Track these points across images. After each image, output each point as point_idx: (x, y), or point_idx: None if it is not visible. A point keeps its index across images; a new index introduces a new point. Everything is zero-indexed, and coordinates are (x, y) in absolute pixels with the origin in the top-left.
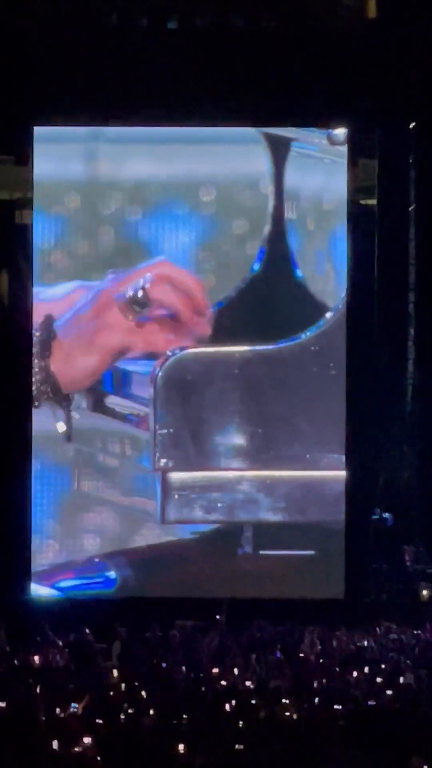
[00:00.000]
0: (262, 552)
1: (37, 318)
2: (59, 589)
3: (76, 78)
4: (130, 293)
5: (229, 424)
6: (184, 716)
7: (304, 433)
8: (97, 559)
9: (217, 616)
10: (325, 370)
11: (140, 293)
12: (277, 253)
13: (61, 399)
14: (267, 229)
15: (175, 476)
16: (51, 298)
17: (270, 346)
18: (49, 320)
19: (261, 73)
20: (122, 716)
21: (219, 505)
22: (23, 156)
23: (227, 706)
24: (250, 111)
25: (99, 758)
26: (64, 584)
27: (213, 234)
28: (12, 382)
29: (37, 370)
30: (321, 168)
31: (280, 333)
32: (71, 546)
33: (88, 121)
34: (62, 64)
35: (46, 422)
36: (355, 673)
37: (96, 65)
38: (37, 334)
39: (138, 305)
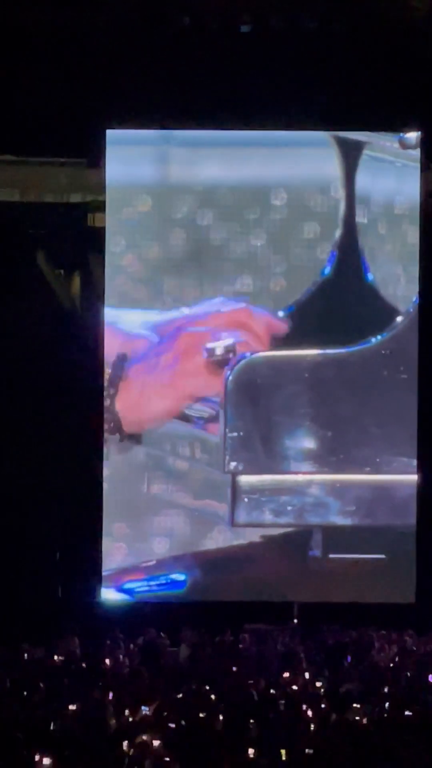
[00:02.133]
0: (331, 555)
1: (109, 356)
2: (129, 591)
3: (148, 81)
4: (219, 353)
5: (299, 428)
6: (254, 721)
7: (375, 436)
8: (166, 562)
9: (290, 620)
10: (396, 374)
11: (230, 354)
12: (348, 256)
13: (123, 438)
14: (338, 232)
15: (245, 479)
16: (123, 334)
17: (340, 350)
18: (121, 359)
19: (332, 76)
20: (192, 720)
21: (289, 508)
22: (96, 159)
23: (298, 711)
24: (322, 114)
25: (168, 761)
26: (133, 587)
27: (283, 238)
28: (83, 388)
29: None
30: (392, 172)
31: (351, 337)
32: (141, 549)
33: (160, 124)
34: (135, 67)
35: None
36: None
37: (168, 68)
38: (108, 371)
39: (224, 363)
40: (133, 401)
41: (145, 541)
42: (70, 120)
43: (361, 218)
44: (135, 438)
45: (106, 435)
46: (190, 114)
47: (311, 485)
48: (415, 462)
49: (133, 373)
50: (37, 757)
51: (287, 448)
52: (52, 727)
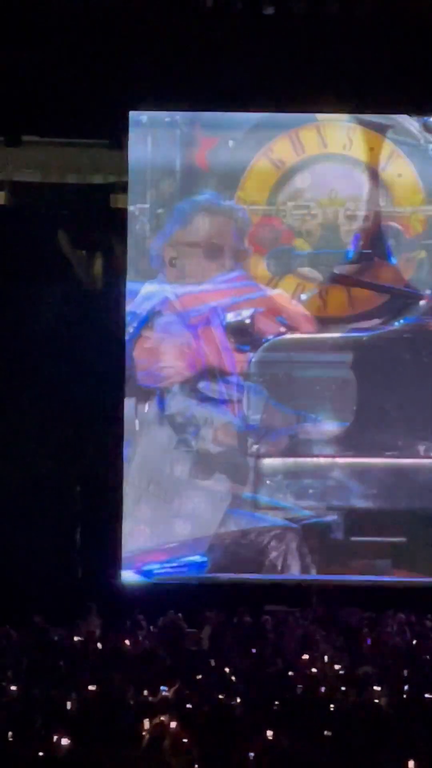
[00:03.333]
0: (353, 538)
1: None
2: (148, 573)
3: (170, 62)
4: (232, 321)
5: (322, 411)
6: (274, 702)
7: (397, 420)
8: (187, 544)
9: (309, 603)
10: (418, 357)
11: (245, 323)
12: (372, 240)
13: (137, 392)
14: (361, 216)
15: (268, 462)
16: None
17: (363, 333)
18: (146, 316)
19: (356, 59)
20: (212, 701)
21: (310, 491)
22: (118, 140)
23: (316, 693)
24: (345, 98)
25: (186, 742)
26: (153, 568)
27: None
28: (104, 370)
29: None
30: (417, 155)
31: (374, 320)
32: (163, 531)
33: (182, 106)
34: (157, 48)
35: (140, 407)
36: None
37: (190, 50)
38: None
39: (239, 335)
40: (149, 351)
41: (167, 523)
42: (93, 101)
43: (384, 201)
44: (148, 395)
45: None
46: (213, 96)
47: (333, 468)
48: None
49: (156, 327)
50: (55, 738)
51: (309, 432)
52: (69, 708)
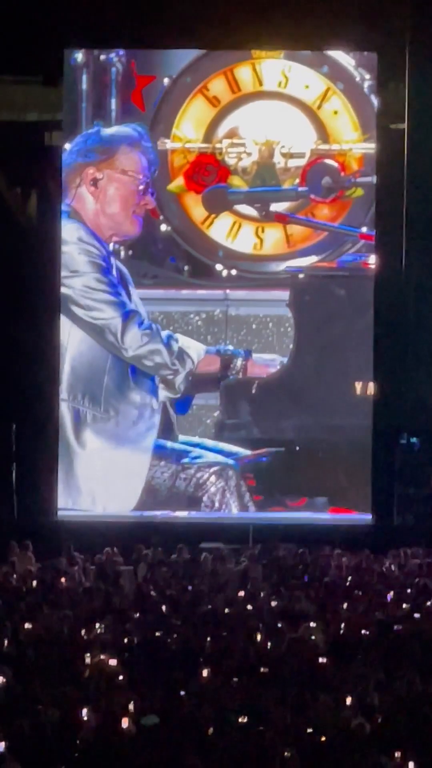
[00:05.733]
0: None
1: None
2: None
3: (110, 3)
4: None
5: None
6: (210, 640)
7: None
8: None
9: (246, 541)
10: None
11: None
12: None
13: None
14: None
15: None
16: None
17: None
18: None
19: None
20: (148, 638)
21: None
22: (53, 78)
23: (252, 630)
24: (280, 34)
25: (122, 679)
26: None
27: None
28: (41, 306)
29: None
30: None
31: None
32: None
33: (117, 44)
34: None
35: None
36: (386, 597)
37: None
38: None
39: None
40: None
41: None
42: (29, 38)
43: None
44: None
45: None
46: (148, 34)
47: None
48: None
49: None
50: None
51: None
52: (6, 645)
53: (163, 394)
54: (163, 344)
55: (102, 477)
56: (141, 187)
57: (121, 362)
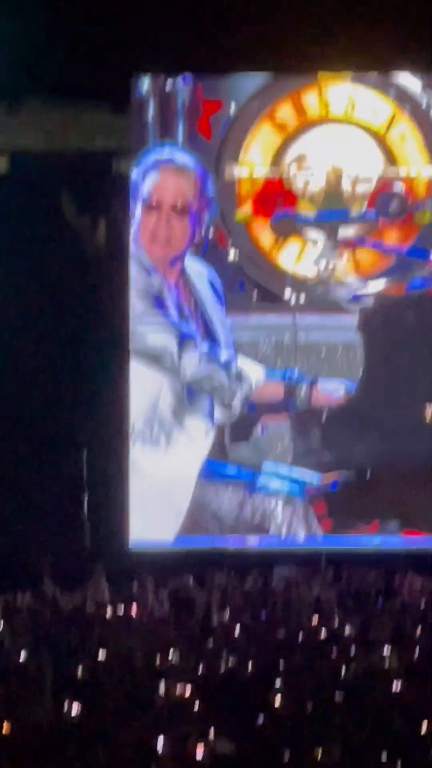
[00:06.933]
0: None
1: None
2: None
3: (172, 26)
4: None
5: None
6: (283, 664)
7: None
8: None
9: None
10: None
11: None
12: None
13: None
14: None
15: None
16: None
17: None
18: None
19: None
20: (222, 666)
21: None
22: (121, 105)
23: (327, 656)
24: (346, 56)
25: (197, 708)
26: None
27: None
28: (108, 338)
29: None
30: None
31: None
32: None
33: (184, 69)
34: (162, 12)
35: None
36: None
37: (193, 14)
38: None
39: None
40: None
41: None
42: (96, 64)
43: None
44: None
45: None
46: (218, 60)
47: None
48: None
49: None
50: (65, 705)
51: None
52: (80, 675)
53: (220, 417)
54: (220, 366)
55: (162, 503)
56: None
57: (177, 385)
